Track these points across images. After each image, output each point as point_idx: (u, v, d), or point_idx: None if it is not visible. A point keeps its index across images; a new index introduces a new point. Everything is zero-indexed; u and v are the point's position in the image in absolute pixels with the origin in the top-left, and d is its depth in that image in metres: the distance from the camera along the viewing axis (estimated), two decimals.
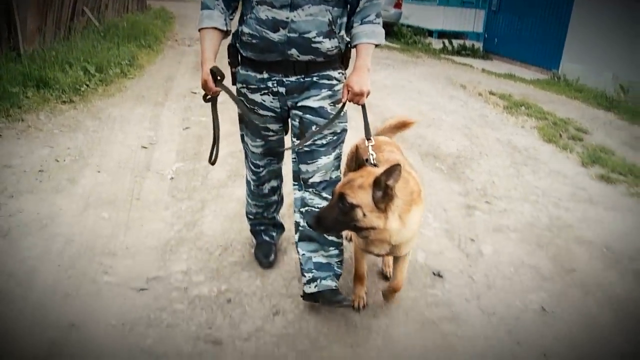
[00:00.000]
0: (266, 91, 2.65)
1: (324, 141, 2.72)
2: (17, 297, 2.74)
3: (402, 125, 3.28)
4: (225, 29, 2.61)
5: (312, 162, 2.73)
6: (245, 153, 3.00)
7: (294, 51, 2.50)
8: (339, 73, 2.69)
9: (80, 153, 4.76)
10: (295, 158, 2.79)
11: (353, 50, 2.69)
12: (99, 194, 4.01)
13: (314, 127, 2.67)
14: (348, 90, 2.53)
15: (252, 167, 2.99)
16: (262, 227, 3.32)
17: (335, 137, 2.73)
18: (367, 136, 2.58)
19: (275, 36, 2.47)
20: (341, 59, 2.71)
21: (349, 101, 2.58)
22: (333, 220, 2.27)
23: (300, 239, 2.85)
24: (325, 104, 2.66)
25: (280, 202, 3.29)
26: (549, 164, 5.44)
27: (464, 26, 17.10)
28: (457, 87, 9.06)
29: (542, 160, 5.55)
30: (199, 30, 2.61)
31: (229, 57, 2.72)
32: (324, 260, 2.81)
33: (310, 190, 2.77)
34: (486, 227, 3.96)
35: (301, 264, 2.85)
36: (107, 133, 5.37)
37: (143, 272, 3.07)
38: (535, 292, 3.19)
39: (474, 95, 8.50)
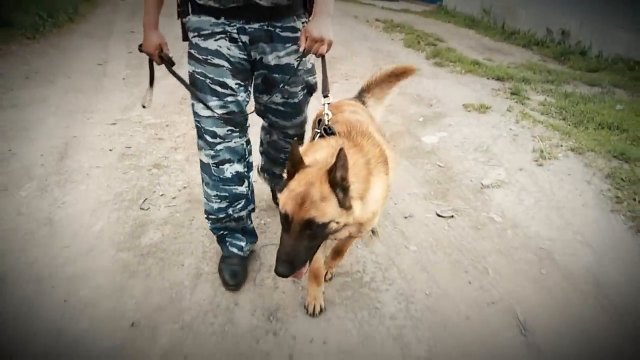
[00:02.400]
0: (222, 36, 2.30)
1: (295, 100, 2.55)
2: (38, 128, 4.54)
3: (400, 73, 2.90)
4: None
5: (286, 120, 2.66)
6: (198, 130, 2.44)
7: None
8: (302, 23, 2.42)
9: (51, 68, 6.46)
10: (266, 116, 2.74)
11: None
12: (73, 87, 5.76)
13: (280, 85, 2.45)
14: (306, 38, 2.20)
15: (208, 138, 2.40)
16: (227, 232, 2.72)
17: (306, 92, 2.59)
18: (324, 92, 2.29)
19: None
20: (304, 4, 2.43)
21: (308, 50, 2.23)
22: (306, 251, 1.83)
23: (265, 164, 3.07)
24: (292, 59, 2.40)
25: (250, 198, 2.68)
26: (401, 59, 7.45)
27: None
28: (351, 17, 10.97)
29: (398, 58, 7.55)
30: None
31: (178, 6, 2.39)
32: None
33: (282, 134, 2.77)
34: (339, 91, 5.90)
35: (271, 184, 3.13)
36: (67, 57, 7.07)
37: (112, 117, 4.90)
38: None
39: (362, 23, 10.45)
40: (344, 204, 1.82)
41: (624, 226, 3.07)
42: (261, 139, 2.91)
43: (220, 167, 2.46)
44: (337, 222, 1.82)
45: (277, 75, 2.44)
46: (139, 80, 6.08)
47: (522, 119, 4.74)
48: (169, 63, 2.43)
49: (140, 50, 2.45)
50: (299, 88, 2.52)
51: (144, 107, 2.68)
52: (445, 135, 4.56)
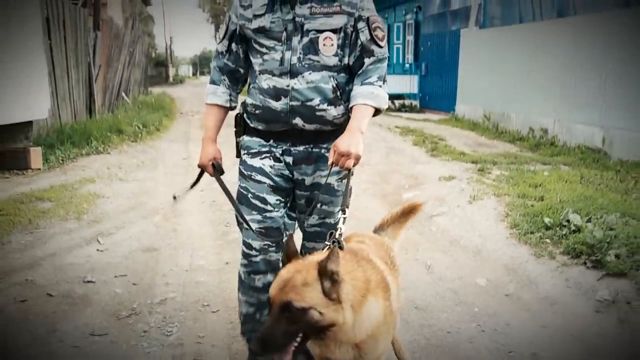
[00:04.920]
0: (268, 155, 2.54)
1: (332, 220, 2.64)
2: (155, 192, 7.06)
3: (409, 211, 3.04)
4: (228, 105, 2.62)
5: (323, 241, 2.40)
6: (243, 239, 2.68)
7: (298, 120, 2.44)
8: None
9: (152, 161, 9.17)
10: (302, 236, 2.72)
11: None
12: (170, 172, 8.37)
13: (319, 205, 2.58)
14: (334, 151, 2.30)
15: (245, 249, 2.61)
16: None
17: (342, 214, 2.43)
18: (343, 206, 2.34)
19: (277, 105, 2.43)
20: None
21: (334, 163, 2.32)
22: (283, 335, 1.82)
23: None
24: (333, 180, 2.53)
25: None
26: (407, 153, 9.91)
27: (404, 89, 21.60)
28: (376, 125, 13.61)
29: (404, 152, 10.00)
30: (206, 104, 2.65)
31: (235, 127, 2.68)
32: None
33: None
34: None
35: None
36: (161, 154, 9.82)
37: (201, 186, 7.38)
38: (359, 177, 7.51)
39: (384, 129, 13.07)
40: (330, 294, 1.83)
41: (503, 227, 5.25)
42: None
43: (252, 275, 2.61)
44: (321, 313, 1.82)
45: (318, 194, 2.52)
46: None
47: (474, 182, 7.01)
48: (219, 171, 2.66)
49: (199, 166, 2.77)
50: (337, 209, 2.57)
51: (174, 197, 3.26)
52: (418, 193, 6.86)
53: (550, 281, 4.13)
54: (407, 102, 20.31)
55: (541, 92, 11.43)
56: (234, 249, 4.98)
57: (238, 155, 2.72)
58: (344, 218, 2.30)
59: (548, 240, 4.74)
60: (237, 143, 2.71)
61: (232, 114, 2.81)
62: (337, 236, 2.20)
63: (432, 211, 6.05)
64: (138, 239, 5.21)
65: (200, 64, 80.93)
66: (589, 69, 9.88)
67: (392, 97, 20.61)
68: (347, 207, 2.35)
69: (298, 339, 1.87)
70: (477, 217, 5.67)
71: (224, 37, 2.61)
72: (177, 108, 18.82)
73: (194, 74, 74.47)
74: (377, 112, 2.49)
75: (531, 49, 11.85)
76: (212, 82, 2.67)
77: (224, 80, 2.64)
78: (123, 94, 14.35)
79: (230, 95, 2.67)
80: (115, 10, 26.01)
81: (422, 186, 7.23)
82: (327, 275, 1.83)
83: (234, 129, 2.70)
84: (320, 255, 2.00)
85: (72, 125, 9.65)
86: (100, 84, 12.32)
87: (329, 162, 2.36)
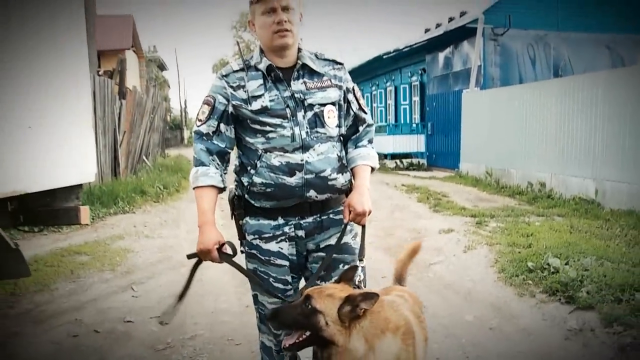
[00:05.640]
0: (283, 237, 2.53)
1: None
2: (179, 247, 7.75)
3: (412, 252, 3.22)
4: (222, 186, 2.54)
5: None
6: (260, 316, 2.68)
7: (312, 192, 2.47)
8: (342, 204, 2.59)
9: (174, 219, 9.90)
10: None
11: None
12: (192, 229, 9.04)
13: (341, 266, 2.55)
14: (350, 210, 2.43)
15: (273, 329, 2.60)
16: None
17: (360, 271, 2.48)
18: (360, 256, 2.48)
19: (292, 180, 2.44)
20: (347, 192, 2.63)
21: (351, 221, 2.47)
22: (292, 318, 2.14)
23: None
24: (348, 239, 2.59)
25: None
26: (411, 209, 10.56)
27: (411, 148, 22.29)
28: (383, 184, 14.35)
29: (409, 209, 10.66)
30: (194, 188, 2.54)
31: (234, 210, 2.65)
32: None
33: None
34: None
35: None
36: (181, 212, 10.56)
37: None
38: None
39: (391, 187, 13.78)
40: (342, 317, 2.06)
41: (492, 272, 5.86)
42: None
43: (281, 353, 2.62)
44: (327, 323, 2.06)
45: (336, 255, 2.55)
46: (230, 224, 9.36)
47: (470, 233, 7.64)
48: (233, 253, 2.54)
49: (191, 257, 2.61)
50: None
51: (161, 323, 2.79)
52: None
53: (529, 316, 4.72)
54: (414, 160, 21.05)
55: (538, 148, 12.17)
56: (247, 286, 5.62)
57: (241, 237, 2.67)
58: (363, 267, 2.42)
59: (530, 282, 5.34)
60: (240, 225, 2.65)
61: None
62: (357, 282, 2.34)
63: (431, 260, 6.67)
64: (167, 287, 5.87)
65: None
66: (582, 125, 10.68)
67: (400, 156, 21.43)
68: (364, 257, 2.48)
69: (304, 336, 2.12)
70: (470, 264, 6.28)
71: (209, 118, 2.50)
72: None
73: None
74: (371, 170, 2.65)
75: (528, 108, 12.67)
76: (200, 164, 2.51)
77: (214, 160, 2.51)
78: (144, 158, 15.31)
79: (221, 176, 2.55)
80: (133, 76, 27.51)
81: (423, 239, 7.84)
82: (350, 304, 2.07)
83: (233, 212, 2.66)
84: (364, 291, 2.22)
85: (99, 187, 10.48)
86: (124, 148, 13.24)
87: (345, 221, 2.48)
